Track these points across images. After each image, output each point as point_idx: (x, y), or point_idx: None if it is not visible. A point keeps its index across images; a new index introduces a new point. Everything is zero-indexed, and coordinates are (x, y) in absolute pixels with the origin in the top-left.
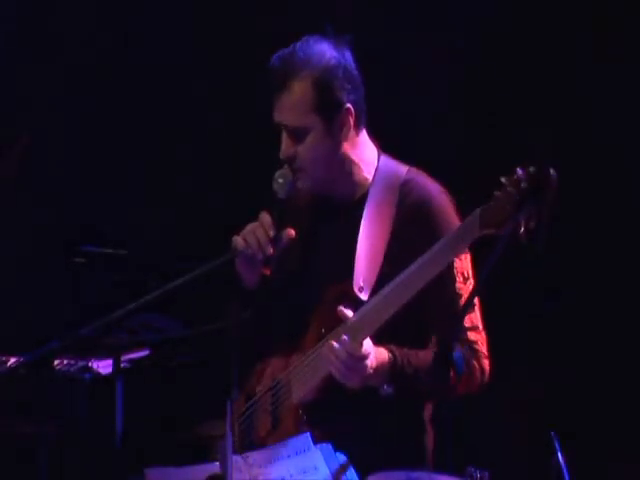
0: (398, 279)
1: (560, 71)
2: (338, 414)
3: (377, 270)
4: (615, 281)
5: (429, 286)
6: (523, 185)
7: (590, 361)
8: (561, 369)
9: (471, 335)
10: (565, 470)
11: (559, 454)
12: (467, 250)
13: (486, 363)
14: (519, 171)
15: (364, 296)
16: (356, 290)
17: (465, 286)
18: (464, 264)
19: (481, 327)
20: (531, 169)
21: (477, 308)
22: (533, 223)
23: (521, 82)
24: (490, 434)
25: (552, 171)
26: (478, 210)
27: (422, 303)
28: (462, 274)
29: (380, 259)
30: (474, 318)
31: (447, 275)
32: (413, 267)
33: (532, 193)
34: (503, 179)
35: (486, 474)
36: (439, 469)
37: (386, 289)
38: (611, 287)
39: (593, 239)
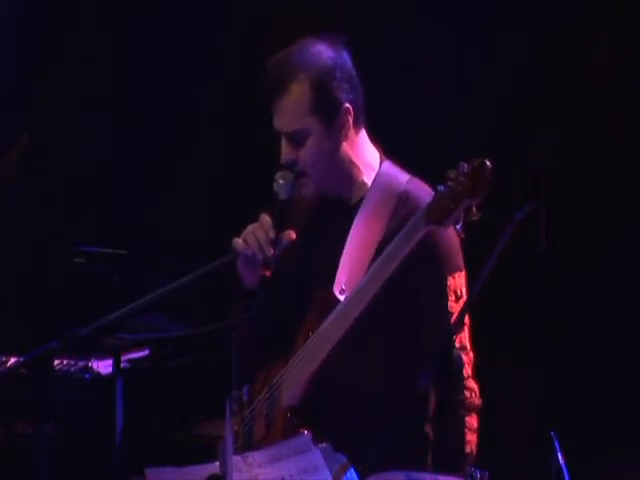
0: (364, 277)
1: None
2: (327, 416)
3: (362, 274)
4: (615, 281)
5: (422, 302)
6: (461, 179)
7: (590, 361)
8: (561, 369)
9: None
10: (565, 470)
11: (559, 454)
12: (462, 268)
13: (472, 383)
14: (463, 165)
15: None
16: (336, 293)
17: (457, 305)
18: (457, 282)
19: (469, 347)
20: (474, 162)
21: (467, 328)
22: (471, 217)
23: (523, 83)
24: (490, 434)
25: (488, 163)
26: (425, 206)
27: (413, 318)
28: (454, 292)
29: (367, 264)
30: (463, 338)
31: (439, 292)
32: (374, 265)
33: (468, 187)
34: (449, 172)
35: (486, 474)
36: (438, 469)
37: (355, 287)
38: (611, 287)
39: (593, 238)
